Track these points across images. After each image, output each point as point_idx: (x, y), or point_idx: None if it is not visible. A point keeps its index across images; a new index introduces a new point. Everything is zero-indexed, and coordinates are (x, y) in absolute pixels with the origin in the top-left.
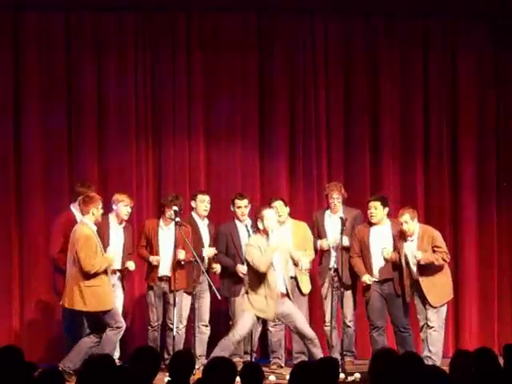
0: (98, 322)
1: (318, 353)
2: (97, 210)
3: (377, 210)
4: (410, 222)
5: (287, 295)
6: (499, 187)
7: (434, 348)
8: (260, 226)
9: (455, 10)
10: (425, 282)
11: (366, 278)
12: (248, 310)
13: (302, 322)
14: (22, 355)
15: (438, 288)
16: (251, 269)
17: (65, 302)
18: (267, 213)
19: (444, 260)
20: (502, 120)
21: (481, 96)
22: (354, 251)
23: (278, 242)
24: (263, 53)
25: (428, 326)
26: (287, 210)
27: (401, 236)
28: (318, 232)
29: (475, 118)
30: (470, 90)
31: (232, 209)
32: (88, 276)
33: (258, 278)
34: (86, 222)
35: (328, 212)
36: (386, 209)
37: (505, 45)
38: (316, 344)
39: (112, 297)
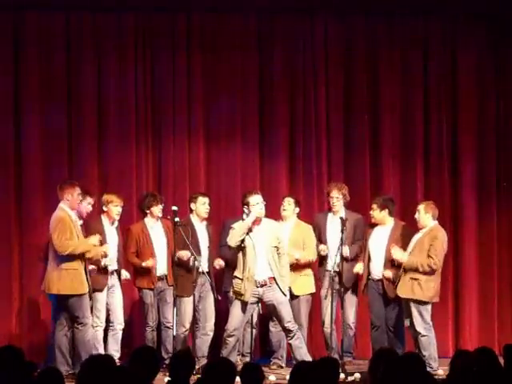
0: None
1: (299, 345)
2: (71, 196)
3: (374, 212)
4: (422, 212)
5: (275, 280)
6: (499, 186)
7: (427, 352)
8: (245, 211)
9: (455, 9)
10: (409, 275)
11: (359, 268)
12: (234, 303)
13: (286, 314)
14: (22, 355)
15: (422, 286)
16: (236, 252)
17: (45, 287)
18: (253, 198)
19: (430, 267)
20: (502, 118)
21: (481, 94)
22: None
23: (253, 218)
24: (263, 53)
25: (415, 330)
26: (296, 210)
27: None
28: (319, 235)
29: (475, 116)
30: (469, 88)
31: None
32: (63, 258)
33: (240, 262)
34: (62, 206)
35: (330, 214)
36: (386, 210)
37: (504, 43)
38: (298, 336)
39: (86, 284)
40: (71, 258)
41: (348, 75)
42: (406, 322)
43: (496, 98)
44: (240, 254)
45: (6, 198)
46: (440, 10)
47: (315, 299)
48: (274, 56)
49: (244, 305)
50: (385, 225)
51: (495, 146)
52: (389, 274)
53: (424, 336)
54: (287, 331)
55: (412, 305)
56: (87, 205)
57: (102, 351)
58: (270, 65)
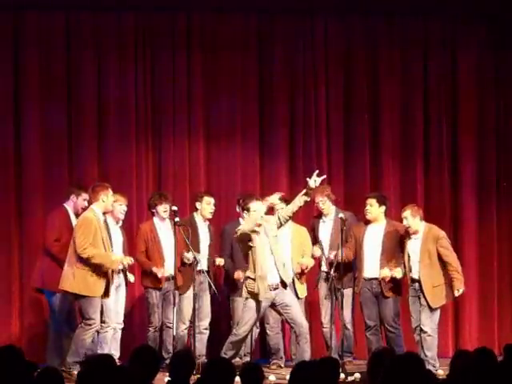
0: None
1: (307, 350)
2: (107, 198)
3: (372, 208)
4: (410, 218)
5: (283, 283)
6: (499, 186)
7: (431, 353)
8: (245, 216)
9: (455, 9)
10: (426, 281)
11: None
12: (247, 306)
13: (298, 314)
14: (22, 355)
15: (437, 289)
16: (245, 250)
17: (60, 284)
18: (254, 205)
19: (458, 271)
20: (502, 119)
21: (481, 95)
22: (348, 245)
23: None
24: (263, 53)
25: (421, 330)
26: None
27: (405, 233)
28: (314, 238)
29: (475, 116)
30: (469, 89)
31: (238, 209)
32: (81, 259)
33: (250, 262)
34: (93, 208)
35: (323, 217)
36: (383, 207)
37: (504, 43)
38: (307, 340)
39: (101, 286)
40: (88, 262)
41: (348, 75)
42: (414, 323)
43: (496, 97)
44: (250, 254)
45: (6, 197)
46: (440, 9)
47: (315, 300)
48: (274, 56)
49: (258, 306)
50: (378, 222)
51: (495, 146)
52: (386, 273)
53: (430, 336)
54: (298, 333)
55: (427, 308)
56: (83, 201)
57: (108, 351)
58: (270, 65)
